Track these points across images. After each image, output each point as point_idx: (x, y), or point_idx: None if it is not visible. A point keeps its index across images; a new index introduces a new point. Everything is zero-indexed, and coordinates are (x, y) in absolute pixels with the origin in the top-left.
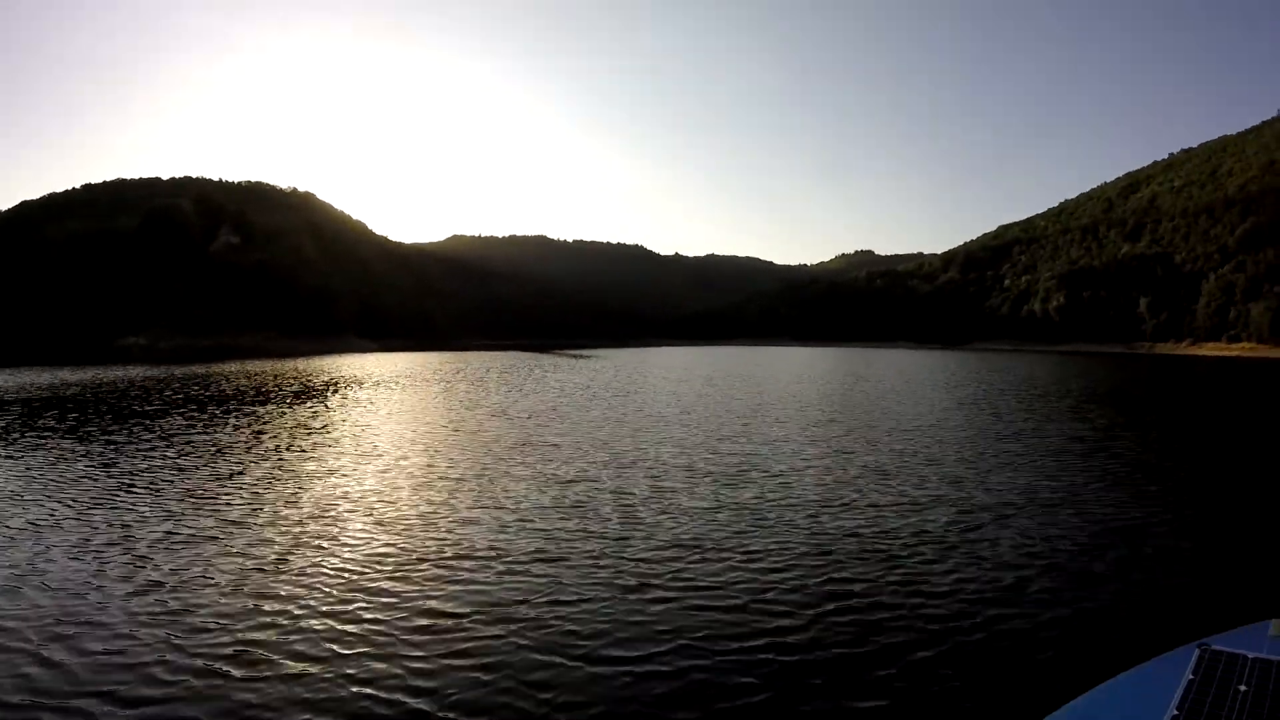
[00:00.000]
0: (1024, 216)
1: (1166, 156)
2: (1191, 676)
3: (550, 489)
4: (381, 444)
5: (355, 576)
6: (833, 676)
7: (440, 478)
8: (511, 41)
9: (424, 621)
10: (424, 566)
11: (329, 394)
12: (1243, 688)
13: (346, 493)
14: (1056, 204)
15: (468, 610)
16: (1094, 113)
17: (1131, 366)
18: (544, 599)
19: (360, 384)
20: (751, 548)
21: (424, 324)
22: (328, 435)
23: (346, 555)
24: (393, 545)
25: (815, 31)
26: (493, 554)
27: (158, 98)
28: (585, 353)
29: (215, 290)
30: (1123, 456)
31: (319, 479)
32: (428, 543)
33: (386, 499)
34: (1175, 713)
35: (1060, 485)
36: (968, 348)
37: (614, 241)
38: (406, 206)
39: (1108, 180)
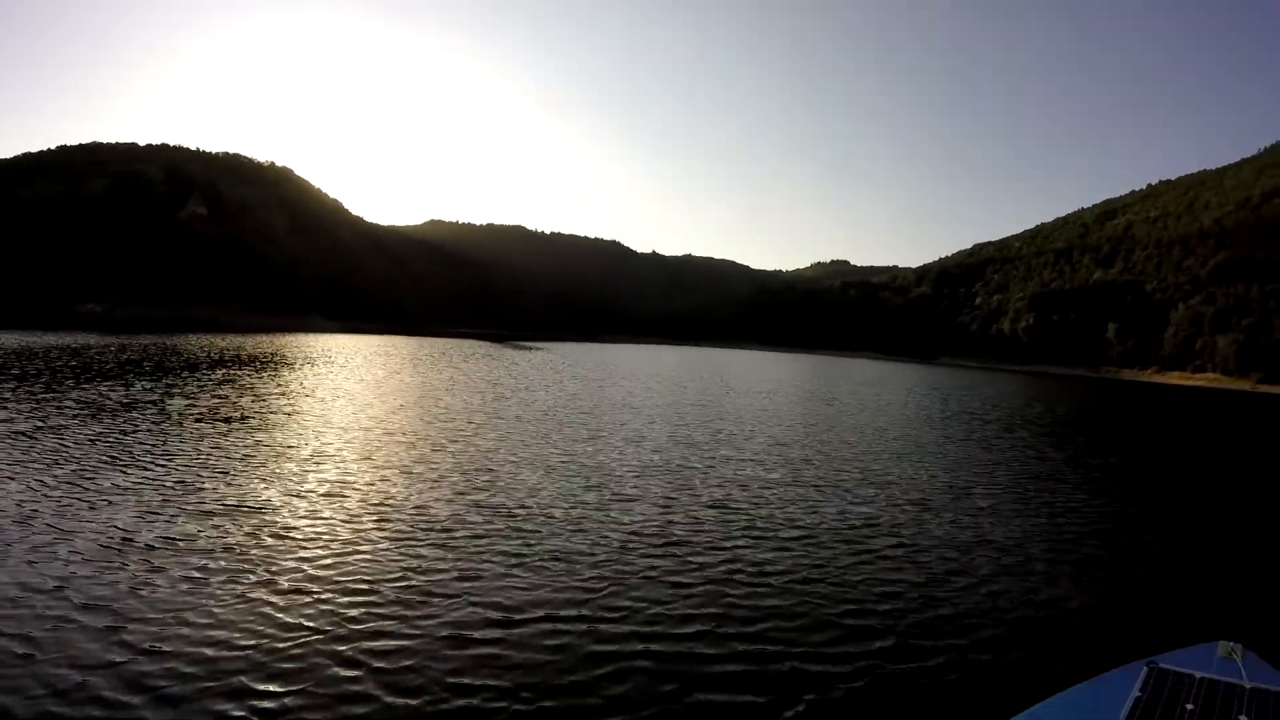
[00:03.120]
0: (1000, 236)
1: (1145, 187)
2: (1139, 693)
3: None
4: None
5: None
6: (777, 684)
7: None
8: (498, 30)
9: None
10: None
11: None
12: (1190, 706)
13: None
14: (1033, 226)
15: None
16: (1075, 140)
17: (1097, 390)
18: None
19: (266, 362)
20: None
21: (394, 308)
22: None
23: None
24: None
25: (803, 38)
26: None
27: (141, 64)
28: (540, 345)
29: (178, 261)
30: (1083, 480)
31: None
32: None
33: None
34: None
35: (1018, 506)
36: (935, 362)
37: (591, 236)
38: (385, 189)
39: (1085, 206)
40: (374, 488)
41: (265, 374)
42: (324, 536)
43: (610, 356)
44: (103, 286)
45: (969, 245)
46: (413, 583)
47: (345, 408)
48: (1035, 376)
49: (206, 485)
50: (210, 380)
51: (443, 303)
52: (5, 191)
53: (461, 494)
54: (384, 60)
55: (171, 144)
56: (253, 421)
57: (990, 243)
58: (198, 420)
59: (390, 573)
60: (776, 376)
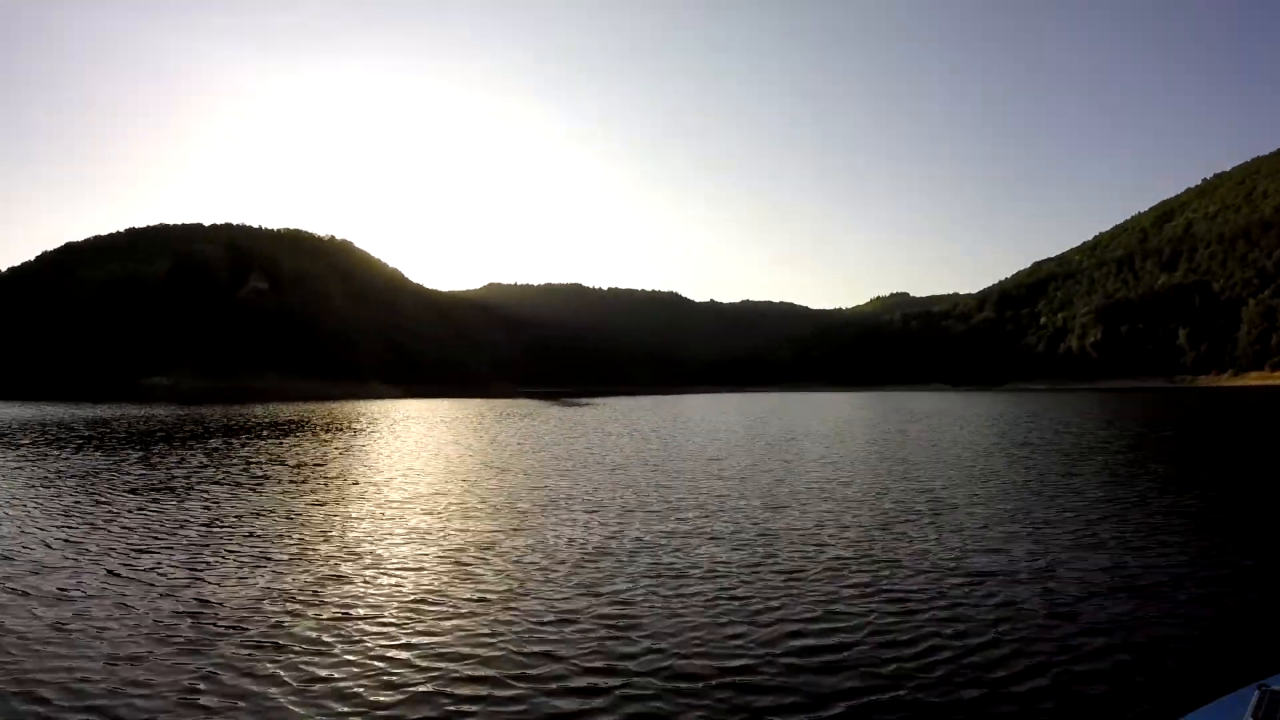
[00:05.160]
0: (1059, 251)
1: (1200, 182)
2: (1251, 718)
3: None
4: None
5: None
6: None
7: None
8: (549, 86)
9: None
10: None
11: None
12: None
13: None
14: (1091, 237)
15: None
16: (1124, 143)
17: (1174, 401)
18: None
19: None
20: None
21: (455, 371)
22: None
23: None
24: None
25: (845, 77)
26: None
27: (206, 144)
28: (594, 401)
29: (240, 334)
30: (1177, 499)
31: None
32: None
33: None
34: None
35: (1119, 528)
36: (1004, 388)
37: (648, 289)
38: (446, 255)
39: (1142, 210)
40: None
41: (274, 442)
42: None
43: (660, 408)
44: (168, 360)
45: (1028, 264)
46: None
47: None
48: (1107, 393)
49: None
50: (255, 446)
51: (502, 364)
52: (76, 273)
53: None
54: (440, 127)
55: (235, 223)
56: (246, 484)
57: (1050, 259)
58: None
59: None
60: (814, 424)
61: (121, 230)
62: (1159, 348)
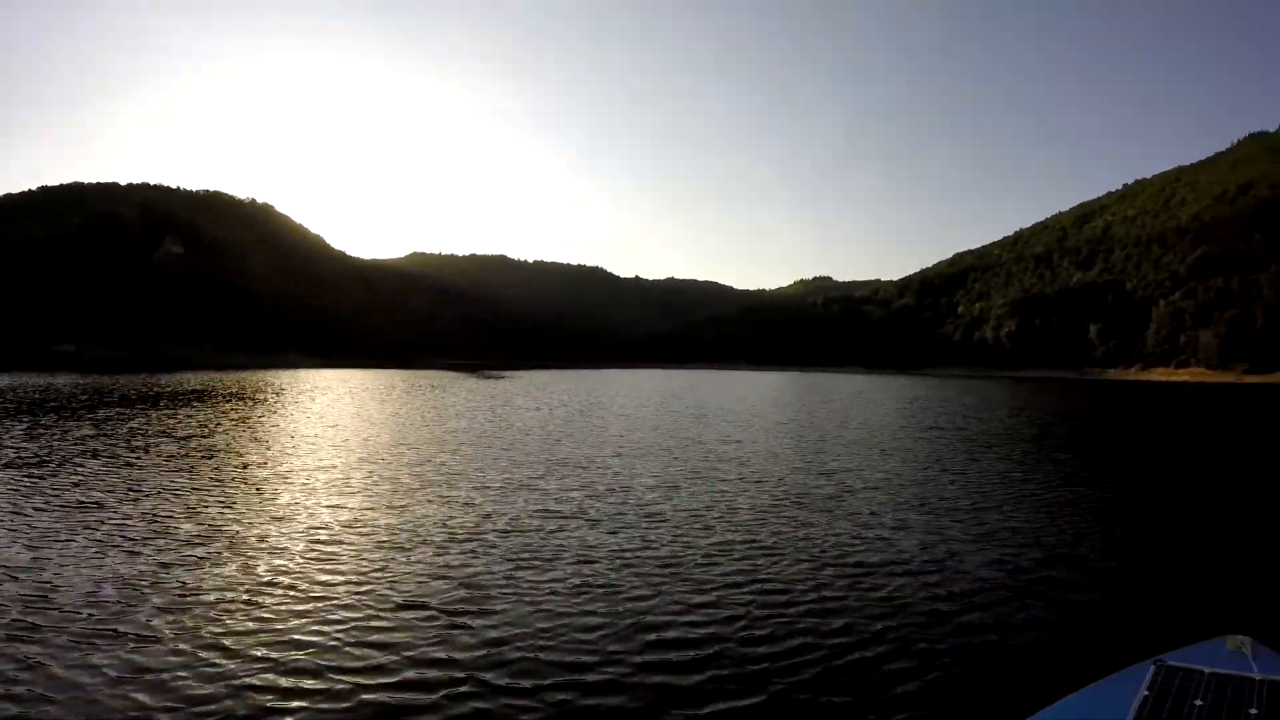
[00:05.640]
0: (980, 244)
1: (1121, 187)
2: (1147, 692)
3: None
4: None
5: None
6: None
7: None
8: (477, 58)
9: None
10: None
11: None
12: (1198, 702)
13: None
14: (1012, 233)
15: None
16: (1051, 144)
17: (1082, 392)
18: None
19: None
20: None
21: (377, 341)
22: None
23: None
24: None
25: (780, 58)
26: None
27: (124, 104)
28: (511, 374)
29: (153, 300)
30: (1074, 482)
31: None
32: None
33: None
34: None
35: (1016, 517)
36: (921, 373)
37: (575, 263)
38: (369, 223)
39: (1063, 210)
40: None
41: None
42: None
43: (579, 382)
44: (78, 327)
45: (949, 255)
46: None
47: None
48: (1019, 382)
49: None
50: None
51: (428, 335)
52: None
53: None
54: (364, 93)
55: (152, 183)
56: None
57: (970, 251)
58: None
59: None
60: (747, 397)
61: (35, 189)
62: (1071, 341)
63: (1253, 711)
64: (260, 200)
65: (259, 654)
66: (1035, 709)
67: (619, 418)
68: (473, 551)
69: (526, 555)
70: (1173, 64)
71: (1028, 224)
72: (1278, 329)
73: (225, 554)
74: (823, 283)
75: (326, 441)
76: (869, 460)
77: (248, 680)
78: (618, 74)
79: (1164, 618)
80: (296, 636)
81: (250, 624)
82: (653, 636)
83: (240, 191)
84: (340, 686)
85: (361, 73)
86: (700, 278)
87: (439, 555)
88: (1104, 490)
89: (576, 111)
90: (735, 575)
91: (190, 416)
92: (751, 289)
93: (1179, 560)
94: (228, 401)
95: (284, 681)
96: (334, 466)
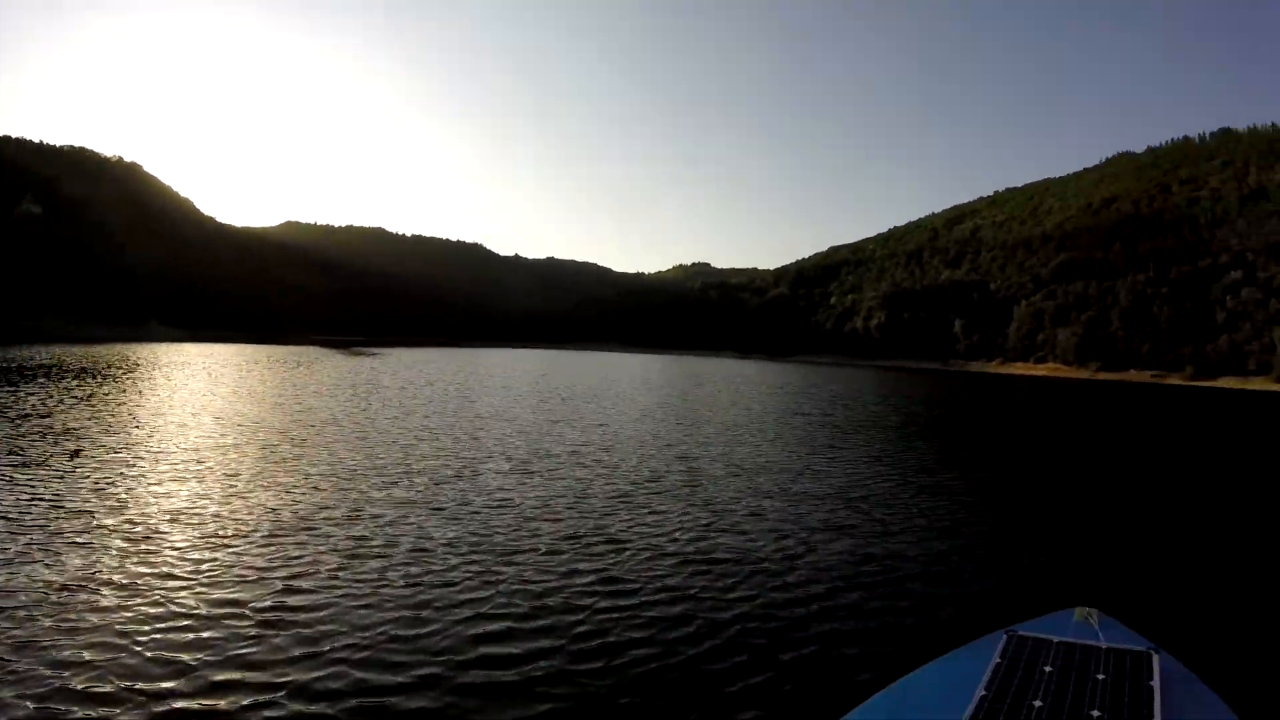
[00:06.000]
0: (855, 239)
1: (992, 193)
2: (999, 660)
3: None
4: None
5: None
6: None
7: None
8: (358, 22)
9: None
10: None
11: None
12: (1048, 668)
13: None
14: (886, 230)
15: None
16: (928, 147)
17: (945, 381)
18: None
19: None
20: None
21: (248, 314)
22: None
23: None
24: None
25: (662, 41)
26: None
27: None
28: (381, 351)
29: (8, 265)
30: (933, 464)
31: None
32: None
33: None
34: (984, 693)
35: (873, 489)
36: (792, 359)
37: (454, 239)
38: (241, 188)
39: (936, 211)
40: None
41: None
42: None
43: (450, 361)
44: None
45: (825, 248)
46: None
47: None
48: (886, 370)
49: None
50: None
51: (305, 308)
52: None
53: None
54: (240, 53)
55: (14, 135)
56: None
57: (845, 245)
58: None
59: None
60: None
61: None
62: (937, 335)
63: (1100, 677)
64: (127, 159)
65: (61, 657)
66: (895, 679)
67: (482, 397)
68: (299, 544)
69: (356, 550)
70: (1051, 79)
71: (902, 222)
72: (1131, 331)
73: (36, 550)
74: (701, 268)
75: (170, 423)
76: (733, 445)
77: (39, 690)
78: (500, 48)
79: (1015, 593)
80: (94, 639)
81: (40, 634)
82: (482, 630)
83: (106, 149)
84: (142, 695)
85: (237, 30)
86: (579, 258)
87: (261, 549)
88: (960, 476)
89: (457, 82)
90: (582, 571)
91: (21, 397)
92: (631, 271)
93: (1030, 539)
94: (76, 378)
95: (79, 685)
96: (173, 451)
